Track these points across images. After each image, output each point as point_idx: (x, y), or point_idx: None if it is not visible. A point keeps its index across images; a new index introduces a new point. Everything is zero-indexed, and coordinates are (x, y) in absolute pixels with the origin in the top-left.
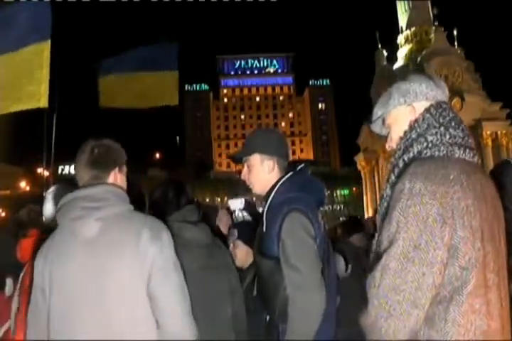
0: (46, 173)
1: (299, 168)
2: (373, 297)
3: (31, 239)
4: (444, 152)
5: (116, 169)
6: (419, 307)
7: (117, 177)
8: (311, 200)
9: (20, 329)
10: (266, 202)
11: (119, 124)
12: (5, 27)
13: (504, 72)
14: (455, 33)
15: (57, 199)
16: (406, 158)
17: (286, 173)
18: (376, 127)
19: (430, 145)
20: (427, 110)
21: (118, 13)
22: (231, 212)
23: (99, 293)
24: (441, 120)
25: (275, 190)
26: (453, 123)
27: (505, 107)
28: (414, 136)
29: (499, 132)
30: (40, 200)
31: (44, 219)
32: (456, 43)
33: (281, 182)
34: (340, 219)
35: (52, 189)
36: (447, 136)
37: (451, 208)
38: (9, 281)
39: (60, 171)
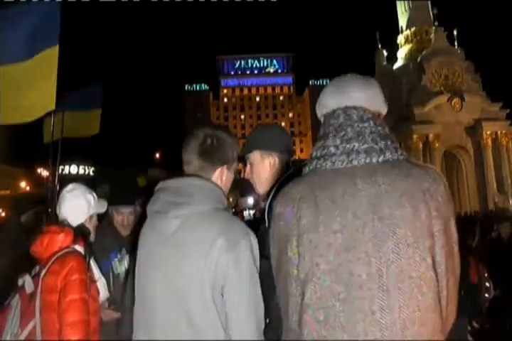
0: (47, 173)
1: (301, 165)
2: None
3: (52, 234)
4: (311, 167)
5: (225, 165)
6: (289, 317)
7: (223, 173)
8: None
9: (46, 329)
10: (266, 202)
11: (120, 125)
12: (10, 31)
13: (504, 72)
14: (455, 33)
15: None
16: None
17: (287, 171)
18: None
19: (308, 162)
20: (322, 122)
21: (117, 13)
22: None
23: (170, 290)
24: (326, 130)
25: (275, 189)
26: (335, 131)
27: (505, 107)
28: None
29: (499, 132)
30: (41, 200)
31: (60, 216)
32: (456, 43)
33: (280, 181)
34: None
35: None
36: (319, 150)
37: (296, 227)
38: (28, 278)
39: (60, 171)
